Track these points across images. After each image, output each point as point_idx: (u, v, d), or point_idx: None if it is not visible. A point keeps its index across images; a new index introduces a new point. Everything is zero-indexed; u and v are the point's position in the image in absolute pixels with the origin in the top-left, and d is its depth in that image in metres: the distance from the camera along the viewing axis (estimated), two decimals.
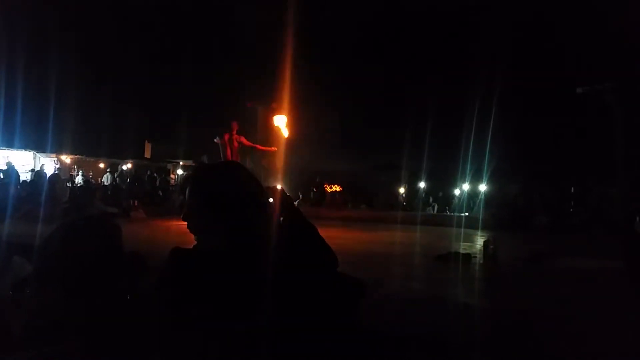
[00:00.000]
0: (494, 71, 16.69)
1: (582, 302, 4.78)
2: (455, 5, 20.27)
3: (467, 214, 16.90)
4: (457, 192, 20.94)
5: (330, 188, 21.31)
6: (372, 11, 20.63)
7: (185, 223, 2.02)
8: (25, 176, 16.26)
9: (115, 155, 24.26)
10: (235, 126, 11.98)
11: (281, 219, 2.09)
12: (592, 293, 5.23)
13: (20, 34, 17.04)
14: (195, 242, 2.04)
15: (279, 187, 2.20)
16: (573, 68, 17.10)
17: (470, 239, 10.15)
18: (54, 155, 21.52)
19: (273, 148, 12.55)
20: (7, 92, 15.92)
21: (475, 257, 7.32)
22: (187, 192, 2.04)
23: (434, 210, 20.26)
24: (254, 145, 12.39)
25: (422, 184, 22.63)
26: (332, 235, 6.35)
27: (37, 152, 20.95)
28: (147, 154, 28.37)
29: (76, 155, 23.20)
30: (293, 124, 12.61)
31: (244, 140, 11.97)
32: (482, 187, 18.76)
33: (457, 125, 17.93)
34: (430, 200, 21.81)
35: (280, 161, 13.69)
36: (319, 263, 2.09)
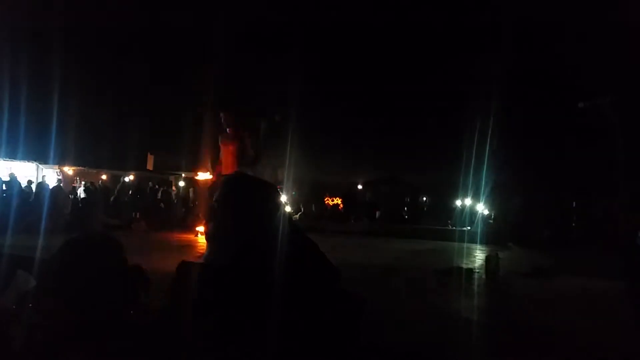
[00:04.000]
0: (496, 86, 16.75)
1: (581, 318, 4.79)
2: (458, 19, 20.41)
3: (469, 228, 16.86)
4: (459, 206, 20.88)
5: (332, 201, 21.30)
6: (379, 20, 20.78)
7: (190, 234, 2.08)
8: (27, 187, 16.25)
9: (117, 167, 24.27)
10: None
11: (282, 237, 2.13)
12: (592, 310, 5.23)
13: (24, 46, 17.17)
14: (203, 254, 2.08)
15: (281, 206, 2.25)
16: (574, 82, 17.16)
17: (472, 253, 10.13)
18: (56, 166, 21.53)
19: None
20: (11, 104, 16.00)
21: (477, 272, 7.31)
22: (217, 198, 2.11)
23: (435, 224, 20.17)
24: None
25: (424, 198, 22.63)
26: (333, 249, 6.35)
27: (39, 164, 20.96)
28: (150, 166, 28.35)
29: (79, 166, 23.21)
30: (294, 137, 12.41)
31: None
32: (484, 202, 18.71)
33: (459, 139, 17.94)
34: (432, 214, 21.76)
35: (282, 174, 13.67)
36: (321, 279, 2.12)
